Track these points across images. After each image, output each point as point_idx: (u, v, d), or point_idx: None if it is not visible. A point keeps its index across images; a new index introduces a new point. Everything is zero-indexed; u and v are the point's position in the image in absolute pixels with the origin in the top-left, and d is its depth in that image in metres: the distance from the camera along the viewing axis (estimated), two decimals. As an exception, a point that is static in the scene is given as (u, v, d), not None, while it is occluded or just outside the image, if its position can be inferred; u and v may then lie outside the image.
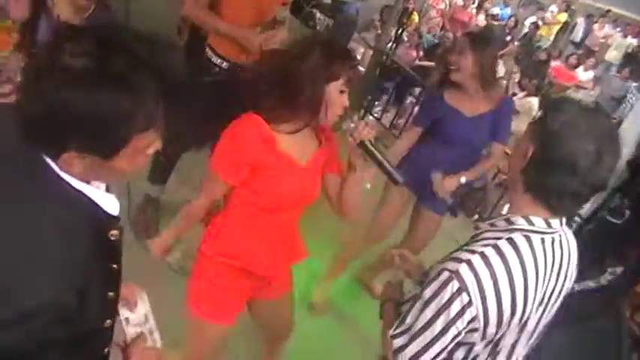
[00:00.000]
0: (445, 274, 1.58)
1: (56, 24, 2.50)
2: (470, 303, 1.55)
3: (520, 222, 1.63)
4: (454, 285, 1.55)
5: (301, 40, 2.19)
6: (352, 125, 2.10)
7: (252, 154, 2.10)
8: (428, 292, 1.62)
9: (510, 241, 1.61)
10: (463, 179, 3.34)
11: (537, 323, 1.75)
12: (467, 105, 3.34)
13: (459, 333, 1.59)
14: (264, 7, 3.23)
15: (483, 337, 1.63)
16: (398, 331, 1.69)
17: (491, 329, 1.60)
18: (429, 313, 1.60)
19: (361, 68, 7.58)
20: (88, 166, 1.19)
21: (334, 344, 3.67)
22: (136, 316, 1.67)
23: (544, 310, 1.73)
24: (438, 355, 1.62)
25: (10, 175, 1.20)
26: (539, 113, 1.67)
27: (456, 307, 1.56)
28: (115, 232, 1.30)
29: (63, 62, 1.09)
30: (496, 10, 13.93)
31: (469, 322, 1.58)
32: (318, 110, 2.08)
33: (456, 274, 1.56)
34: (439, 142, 3.43)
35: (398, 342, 1.68)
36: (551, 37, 14.96)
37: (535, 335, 1.81)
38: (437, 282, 1.60)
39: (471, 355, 1.71)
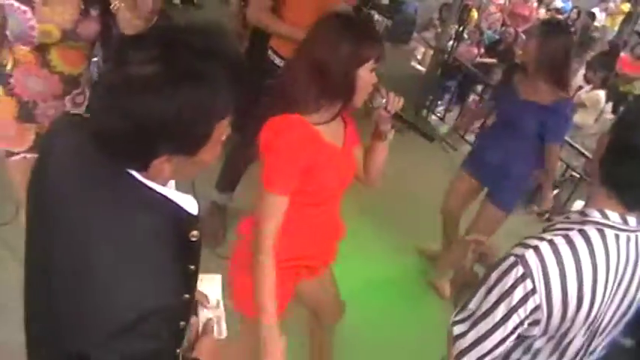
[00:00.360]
0: (511, 259, 1.53)
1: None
2: (534, 290, 1.48)
3: (594, 214, 1.55)
4: (518, 270, 1.50)
5: (321, 24, 2.19)
6: (383, 100, 2.13)
7: (304, 158, 2.07)
8: (493, 277, 1.57)
9: (582, 232, 1.53)
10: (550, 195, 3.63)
11: (608, 328, 1.65)
12: (525, 88, 3.46)
13: (521, 322, 1.52)
14: (325, 8, 3.21)
15: (545, 331, 1.55)
16: (459, 317, 1.63)
17: (555, 321, 1.52)
18: (491, 298, 1.55)
19: (422, 68, 7.52)
20: (175, 167, 1.19)
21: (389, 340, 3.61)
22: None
23: (615, 315, 1.64)
24: (497, 345, 1.56)
25: (96, 187, 1.20)
26: (606, 106, 1.62)
27: (518, 293, 1.50)
28: (195, 232, 1.28)
29: (133, 73, 1.08)
30: (558, 4, 13.59)
31: (532, 312, 1.50)
32: (352, 95, 2.09)
33: (521, 258, 1.50)
34: (496, 126, 3.71)
35: (459, 328, 1.62)
36: (616, 28, 14.54)
37: (604, 342, 1.71)
38: (502, 266, 1.54)
39: (533, 349, 1.62)
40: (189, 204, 1.27)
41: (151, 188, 1.21)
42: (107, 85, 1.13)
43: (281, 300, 2.15)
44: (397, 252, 4.26)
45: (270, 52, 3.50)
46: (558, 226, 1.60)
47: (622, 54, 12.42)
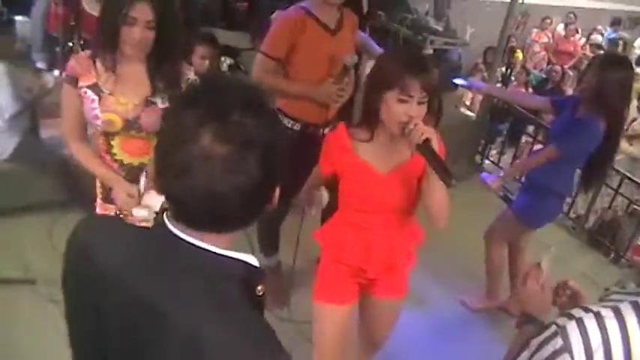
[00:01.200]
0: (552, 328, 1.43)
1: None
2: None
3: None
4: (557, 342, 1.40)
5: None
6: (410, 127, 2.16)
7: (332, 156, 2.43)
8: (534, 343, 1.48)
9: (635, 304, 1.40)
10: (501, 173, 3.76)
11: None
12: (577, 111, 3.51)
13: None
14: (338, 55, 3.26)
15: None
16: None
17: None
18: None
19: (472, 113, 7.52)
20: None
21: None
22: None
23: None
24: None
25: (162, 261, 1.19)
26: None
27: None
28: (261, 286, 1.28)
29: (212, 152, 1.07)
30: (599, 39, 13.45)
31: None
32: (374, 118, 2.27)
33: (562, 330, 1.40)
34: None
35: None
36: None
37: None
38: (544, 334, 1.45)
39: None
40: (251, 259, 1.25)
41: (211, 251, 1.18)
42: (183, 166, 1.09)
43: (342, 291, 2.60)
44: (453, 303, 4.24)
45: (279, 114, 3.36)
46: (613, 297, 1.51)
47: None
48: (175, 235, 1.17)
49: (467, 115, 7.41)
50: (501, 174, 3.57)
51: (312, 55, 3.25)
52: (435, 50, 7.09)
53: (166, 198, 1.17)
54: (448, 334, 3.99)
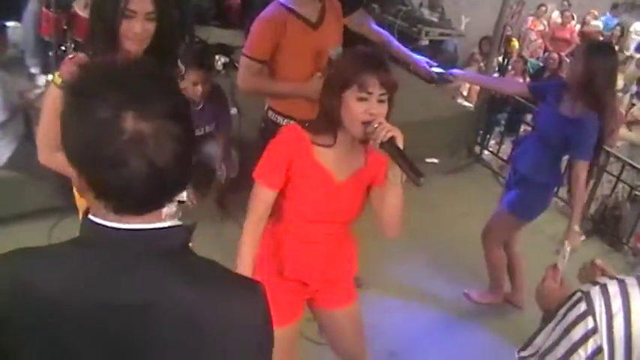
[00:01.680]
0: (577, 295, 1.48)
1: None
2: (594, 330, 1.42)
3: None
4: (581, 307, 1.45)
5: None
6: (373, 127, 2.09)
7: (288, 156, 2.22)
8: (560, 313, 1.53)
9: None
10: (577, 227, 3.44)
11: None
12: (566, 105, 3.49)
13: None
14: (324, 48, 3.22)
15: None
16: (527, 353, 1.60)
17: None
18: (555, 335, 1.51)
19: (469, 104, 7.49)
20: None
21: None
22: None
23: None
24: None
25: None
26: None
27: (579, 331, 1.44)
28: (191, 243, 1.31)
29: (141, 133, 1.08)
30: (595, 23, 13.38)
31: (593, 352, 1.43)
32: (334, 122, 2.17)
33: (586, 295, 1.45)
34: (528, 137, 3.90)
35: None
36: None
37: None
38: (569, 302, 1.50)
39: None
40: (176, 222, 1.26)
41: (165, 227, 1.19)
42: None
43: (287, 309, 2.38)
44: (455, 295, 4.22)
45: (270, 112, 3.38)
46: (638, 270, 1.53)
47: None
48: (116, 229, 1.14)
49: (464, 106, 7.37)
50: (576, 227, 3.45)
51: (297, 53, 3.17)
52: (430, 42, 7.08)
53: (102, 194, 1.13)
54: (453, 328, 3.99)
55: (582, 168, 3.42)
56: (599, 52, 3.42)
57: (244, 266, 2.28)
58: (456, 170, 5.70)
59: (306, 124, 2.25)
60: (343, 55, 2.22)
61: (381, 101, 2.12)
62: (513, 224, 3.85)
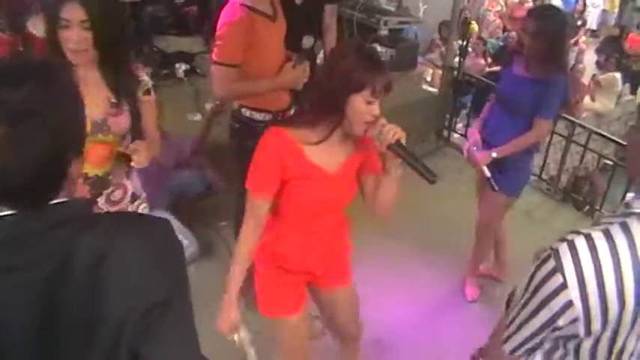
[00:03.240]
0: (546, 253, 1.48)
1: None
2: (564, 286, 1.42)
3: (637, 205, 1.46)
4: (550, 264, 1.45)
5: (336, 49, 2.27)
6: (378, 130, 2.13)
7: (280, 163, 2.22)
8: (531, 271, 1.54)
9: (623, 225, 1.43)
10: (494, 154, 3.51)
11: None
12: (520, 65, 3.54)
13: (554, 318, 1.46)
14: (282, 38, 3.32)
15: (588, 330, 1.46)
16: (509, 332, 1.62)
17: (596, 321, 1.43)
18: (527, 292, 1.52)
19: (434, 89, 7.53)
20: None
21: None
22: None
23: None
24: (533, 335, 1.53)
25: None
26: (623, 88, 1.55)
27: (548, 288, 1.45)
28: None
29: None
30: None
31: (564, 308, 1.43)
32: (339, 120, 2.18)
33: (554, 252, 1.45)
34: (494, 108, 3.71)
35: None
36: (616, 10, 14.51)
37: None
38: (539, 261, 1.50)
39: (583, 354, 1.54)
40: None
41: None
42: None
43: (293, 299, 2.54)
44: (436, 276, 4.25)
45: (244, 110, 3.35)
46: (602, 220, 1.53)
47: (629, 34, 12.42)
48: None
49: (429, 92, 7.40)
50: (493, 154, 3.49)
51: (265, 48, 3.17)
52: (390, 31, 7.09)
53: None
54: (438, 313, 4.02)
55: (543, 125, 3.50)
56: (550, 11, 3.54)
57: (230, 285, 2.35)
58: (426, 155, 5.73)
59: (289, 121, 2.30)
60: (351, 57, 2.16)
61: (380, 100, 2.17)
62: (505, 202, 3.82)
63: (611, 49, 11.55)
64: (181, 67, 5.98)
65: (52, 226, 1.19)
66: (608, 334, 1.47)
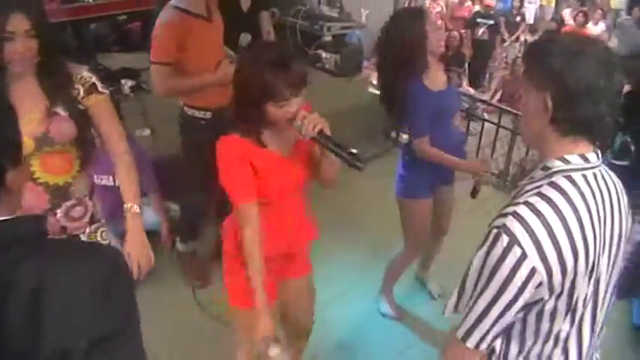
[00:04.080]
0: (493, 232, 1.53)
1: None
2: (524, 255, 1.47)
3: (557, 164, 1.57)
4: (504, 240, 1.49)
5: (248, 56, 2.31)
6: (299, 123, 2.19)
7: (249, 163, 2.29)
8: (478, 257, 1.57)
9: (552, 184, 1.55)
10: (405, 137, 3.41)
11: (609, 268, 1.67)
12: (438, 80, 3.33)
13: (521, 291, 1.51)
14: (219, 38, 3.53)
15: (551, 289, 1.53)
16: (473, 341, 1.63)
17: (557, 278, 1.51)
18: (483, 277, 1.55)
19: (379, 92, 7.60)
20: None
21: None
22: None
23: (611, 252, 1.65)
24: (498, 318, 1.56)
25: None
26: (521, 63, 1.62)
27: (509, 263, 1.49)
28: None
29: None
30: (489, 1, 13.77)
31: (529, 277, 1.49)
32: (261, 125, 2.27)
33: (503, 228, 1.50)
34: (440, 129, 3.36)
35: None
36: (552, 5, 14.85)
37: (612, 287, 1.74)
38: (487, 242, 1.54)
39: (545, 316, 1.61)
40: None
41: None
42: None
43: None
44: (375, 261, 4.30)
45: (186, 108, 3.56)
46: (527, 187, 1.61)
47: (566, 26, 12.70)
48: None
49: (376, 95, 7.47)
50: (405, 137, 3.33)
51: (202, 49, 3.37)
52: (334, 36, 7.17)
53: None
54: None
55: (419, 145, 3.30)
56: (395, 21, 3.31)
57: (258, 289, 2.37)
58: (376, 156, 5.81)
59: (233, 128, 2.31)
60: (250, 62, 2.23)
61: (297, 95, 2.21)
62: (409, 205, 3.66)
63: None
64: (127, 84, 5.96)
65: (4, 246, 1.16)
66: (567, 285, 1.54)
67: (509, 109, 6.56)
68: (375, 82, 8.78)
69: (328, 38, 7.11)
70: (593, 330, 1.72)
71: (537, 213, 1.50)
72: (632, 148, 2.84)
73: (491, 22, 11.15)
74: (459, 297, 1.69)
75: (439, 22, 12.19)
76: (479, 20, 11.34)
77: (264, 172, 2.34)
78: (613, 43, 12.37)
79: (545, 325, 1.63)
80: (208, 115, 3.54)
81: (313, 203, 2.63)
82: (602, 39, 11.96)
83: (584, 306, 1.64)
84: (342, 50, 7.03)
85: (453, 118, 3.53)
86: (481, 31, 11.06)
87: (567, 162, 1.57)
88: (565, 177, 1.56)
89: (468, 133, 6.05)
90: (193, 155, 3.57)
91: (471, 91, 9.42)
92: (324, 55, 6.99)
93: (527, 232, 1.48)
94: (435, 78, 3.28)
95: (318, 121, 2.18)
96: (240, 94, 2.27)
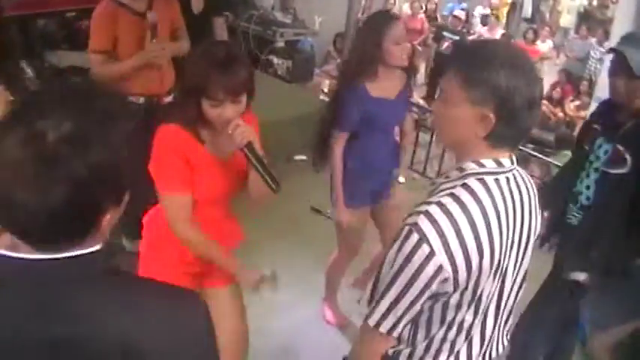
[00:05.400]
0: (405, 229, 1.57)
1: None
2: (432, 253, 1.53)
3: (471, 166, 1.63)
4: (414, 237, 1.54)
5: (195, 52, 2.35)
6: (231, 131, 2.18)
7: (183, 156, 2.24)
8: (392, 251, 1.61)
9: (465, 186, 1.61)
10: (402, 179, 3.38)
11: (516, 268, 1.76)
12: (386, 89, 3.23)
13: (428, 285, 1.56)
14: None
15: (456, 285, 1.59)
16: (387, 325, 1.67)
17: (462, 275, 1.57)
18: (394, 269, 1.59)
19: (328, 99, 7.64)
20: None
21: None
22: None
23: (519, 251, 1.74)
24: (408, 308, 1.61)
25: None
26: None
27: (418, 259, 1.54)
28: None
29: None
30: (445, 12, 14.02)
31: (436, 273, 1.55)
32: (196, 122, 2.24)
33: (414, 226, 1.55)
34: (372, 135, 3.31)
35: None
36: (503, 20, 15.13)
37: (519, 282, 1.82)
38: (400, 237, 1.59)
39: (451, 306, 1.67)
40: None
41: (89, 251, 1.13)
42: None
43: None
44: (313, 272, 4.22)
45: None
46: (442, 187, 1.67)
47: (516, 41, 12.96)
48: (38, 260, 1.08)
49: (326, 101, 7.52)
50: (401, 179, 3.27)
51: (133, 42, 3.50)
52: (286, 43, 7.18)
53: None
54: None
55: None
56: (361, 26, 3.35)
57: (225, 261, 2.41)
58: (325, 164, 5.81)
59: (173, 117, 2.28)
60: (198, 53, 2.25)
61: (234, 102, 2.18)
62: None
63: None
64: (75, 82, 5.86)
65: (63, 281, 1.09)
66: (472, 282, 1.61)
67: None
68: (326, 89, 8.89)
69: (281, 44, 7.12)
70: (496, 320, 1.82)
71: (447, 213, 1.56)
72: (627, 155, 2.72)
73: (457, 37, 11.29)
74: (375, 286, 1.73)
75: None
76: (445, 34, 11.49)
77: (195, 170, 2.29)
78: (561, 60, 12.76)
79: (450, 314, 1.69)
80: (142, 100, 3.62)
81: (261, 211, 2.59)
82: (550, 56, 12.37)
83: (489, 299, 1.73)
84: (295, 56, 7.06)
85: (391, 129, 3.49)
86: (445, 45, 11.20)
87: (482, 165, 1.63)
88: (478, 180, 1.62)
89: (416, 144, 6.13)
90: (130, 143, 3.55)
91: (421, 102, 9.52)
92: (276, 60, 7.00)
93: (436, 231, 1.53)
94: (384, 87, 3.21)
95: (248, 134, 2.18)
96: (182, 80, 2.33)
